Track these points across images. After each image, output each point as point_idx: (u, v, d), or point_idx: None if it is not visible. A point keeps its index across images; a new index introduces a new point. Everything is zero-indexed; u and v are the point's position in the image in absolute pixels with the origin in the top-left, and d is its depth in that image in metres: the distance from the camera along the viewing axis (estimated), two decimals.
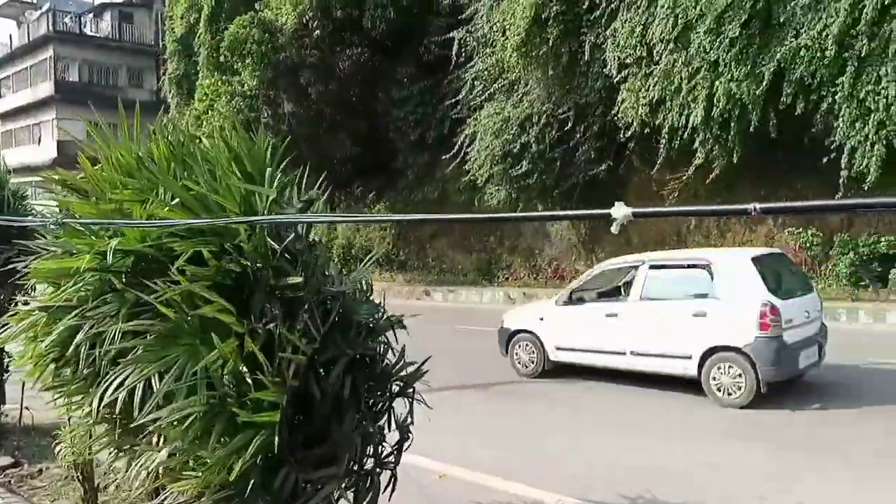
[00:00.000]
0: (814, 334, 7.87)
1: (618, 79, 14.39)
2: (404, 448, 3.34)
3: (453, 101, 18.78)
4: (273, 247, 2.77)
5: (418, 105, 20.41)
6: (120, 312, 2.68)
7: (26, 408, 6.82)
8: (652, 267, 8.26)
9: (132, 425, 2.88)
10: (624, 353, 8.28)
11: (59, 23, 36.98)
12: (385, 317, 3.28)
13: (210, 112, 20.16)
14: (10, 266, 6.34)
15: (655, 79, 13.37)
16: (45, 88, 36.92)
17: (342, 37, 19.94)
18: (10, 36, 40.18)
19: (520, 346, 9.39)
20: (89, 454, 4.60)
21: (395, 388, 3.30)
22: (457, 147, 18.31)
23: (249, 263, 2.68)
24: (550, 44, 14.87)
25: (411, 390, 3.35)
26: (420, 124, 20.52)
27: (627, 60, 14.14)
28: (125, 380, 2.61)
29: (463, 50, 18.31)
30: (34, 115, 38.14)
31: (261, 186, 3.02)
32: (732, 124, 12.56)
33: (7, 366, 6.78)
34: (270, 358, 2.57)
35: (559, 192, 17.00)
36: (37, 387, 3.34)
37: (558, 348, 8.98)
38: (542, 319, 9.17)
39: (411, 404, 3.40)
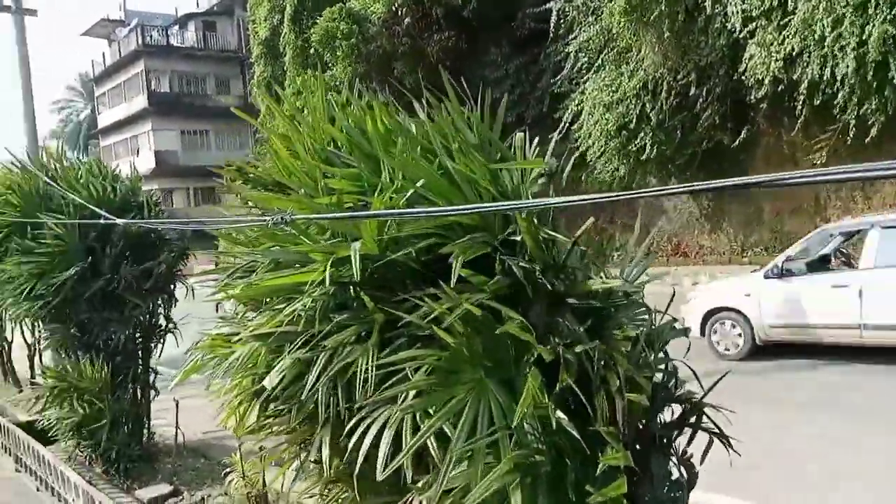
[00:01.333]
0: None
1: (744, 34, 13.10)
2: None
3: (555, 77, 17.83)
4: (559, 239, 2.07)
5: (514, 85, 19.52)
6: (368, 341, 2.03)
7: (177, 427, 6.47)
8: (886, 227, 7.72)
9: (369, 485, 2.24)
10: (858, 327, 7.64)
11: (147, 37, 37.97)
12: (664, 323, 2.53)
13: (305, 109, 19.88)
14: (155, 278, 5.92)
15: (793, 29, 12.03)
16: (139, 102, 38.02)
17: (431, 21, 19.25)
18: (104, 54, 41.63)
19: (721, 326, 8.84)
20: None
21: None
22: (562, 124, 17.36)
23: (533, 266, 1.98)
24: (663, 4, 13.69)
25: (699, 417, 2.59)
26: (517, 105, 19.61)
27: (754, 13, 12.82)
28: (382, 429, 1.96)
29: (562, 21, 17.30)
30: (130, 128, 39.40)
31: (505, 161, 2.36)
32: (891, 73, 11.12)
33: (153, 382, 6.43)
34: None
35: (678, 163, 15.82)
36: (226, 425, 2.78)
37: (773, 326, 8.47)
38: (748, 295, 8.63)
39: (693, 432, 2.63)
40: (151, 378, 6.36)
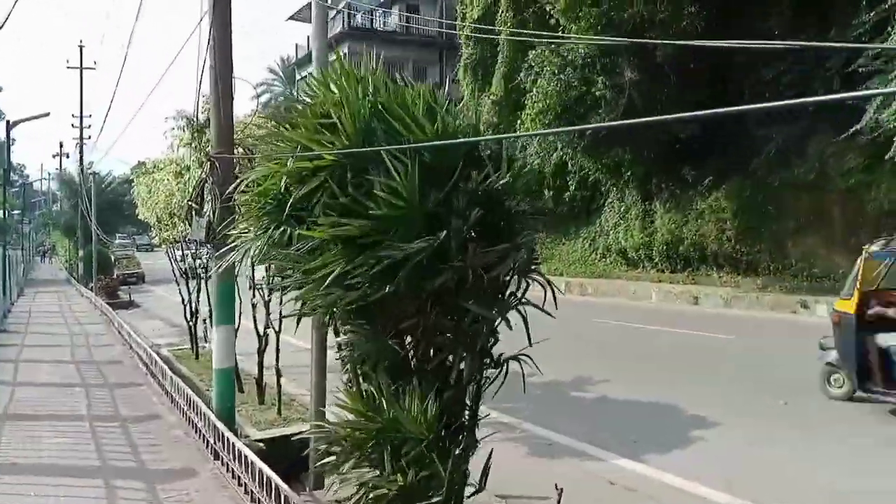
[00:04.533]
0: None
1: None
2: None
3: (855, 54, 14.22)
4: None
5: (794, 62, 16.05)
6: None
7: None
8: None
9: None
10: None
11: (352, 20, 37.78)
12: None
13: (534, 88, 17.65)
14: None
15: None
16: None
17: None
18: (308, 38, 42.11)
19: None
20: None
21: None
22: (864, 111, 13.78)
23: None
24: None
25: None
26: (795, 86, 16.13)
27: None
28: None
29: None
30: None
31: None
32: None
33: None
34: None
35: None
36: None
37: None
38: None
39: None
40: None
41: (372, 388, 3.79)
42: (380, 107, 3.90)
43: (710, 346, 11.73)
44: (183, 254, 11.78)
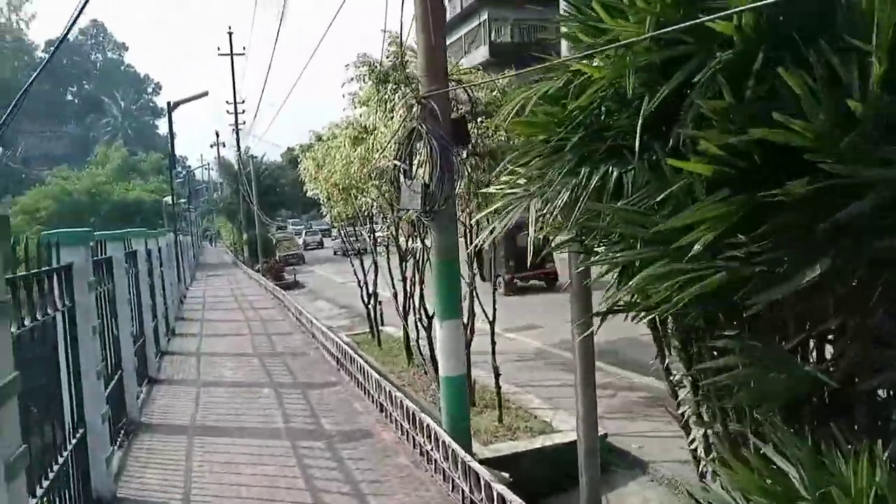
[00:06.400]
0: None
1: None
2: None
3: None
4: None
5: None
6: None
7: None
8: None
9: None
10: None
11: None
12: None
13: None
14: None
15: None
16: (481, 53, 36.40)
17: None
18: (444, 9, 40.92)
19: None
20: None
21: None
22: None
23: None
24: None
25: None
26: None
27: None
28: None
29: None
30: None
31: None
32: None
33: None
34: None
35: None
36: None
37: None
38: None
39: None
40: None
41: (752, 437, 2.30)
42: None
43: None
44: (356, 231, 10.92)
